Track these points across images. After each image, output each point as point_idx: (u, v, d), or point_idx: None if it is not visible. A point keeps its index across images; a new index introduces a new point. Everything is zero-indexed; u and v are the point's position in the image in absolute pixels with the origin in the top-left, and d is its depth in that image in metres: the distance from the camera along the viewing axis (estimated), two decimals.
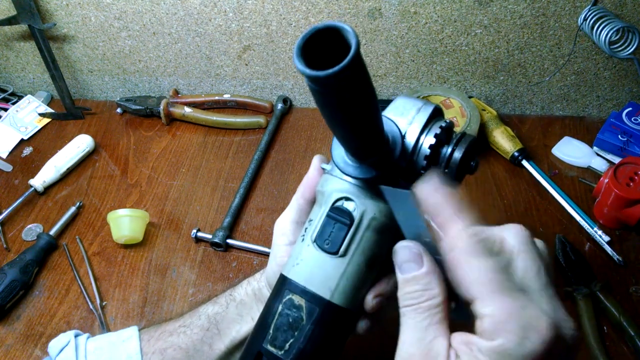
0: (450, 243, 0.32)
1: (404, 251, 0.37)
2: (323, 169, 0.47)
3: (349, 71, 0.30)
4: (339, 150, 0.44)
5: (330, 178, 0.45)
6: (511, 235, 0.34)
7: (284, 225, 0.51)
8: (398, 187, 0.40)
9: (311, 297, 0.42)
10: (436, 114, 0.44)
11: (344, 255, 0.42)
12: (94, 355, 0.56)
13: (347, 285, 0.42)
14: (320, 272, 0.42)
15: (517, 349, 0.28)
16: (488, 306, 0.29)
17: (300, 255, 0.43)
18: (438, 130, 0.43)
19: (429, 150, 0.42)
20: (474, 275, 0.30)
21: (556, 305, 0.31)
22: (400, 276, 0.36)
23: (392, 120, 0.43)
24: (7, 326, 0.77)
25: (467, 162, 0.44)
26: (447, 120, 0.44)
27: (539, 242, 0.36)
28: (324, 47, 0.32)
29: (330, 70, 0.29)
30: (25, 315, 0.78)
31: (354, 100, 0.34)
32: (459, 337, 0.31)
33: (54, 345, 0.58)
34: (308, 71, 0.30)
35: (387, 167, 0.42)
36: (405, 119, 0.43)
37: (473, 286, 0.30)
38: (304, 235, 0.45)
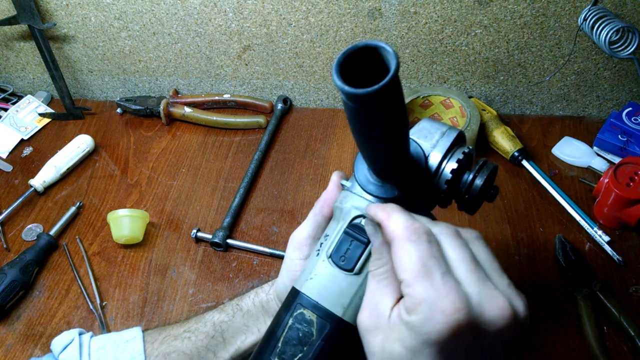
0: (390, 233, 0.37)
1: (369, 226, 0.41)
2: (343, 185, 0.47)
3: (387, 91, 0.30)
4: (362, 168, 0.44)
5: (350, 195, 0.45)
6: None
7: (300, 239, 0.51)
8: (418, 209, 0.41)
9: (323, 313, 0.41)
10: (459, 140, 0.45)
11: (358, 273, 0.42)
12: (97, 355, 0.56)
13: (360, 304, 0.41)
14: (333, 289, 0.42)
15: (422, 327, 0.32)
16: (408, 287, 0.34)
17: (314, 270, 0.43)
18: (461, 156, 0.43)
19: (450, 175, 0.43)
20: (404, 261, 0.35)
21: (500, 285, 0.35)
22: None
23: (416, 142, 0.44)
24: (7, 326, 0.77)
25: (487, 189, 0.44)
26: (470, 147, 0.45)
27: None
28: (361, 64, 0.32)
29: (369, 89, 0.30)
30: (25, 315, 0.78)
31: (387, 119, 0.34)
32: (402, 303, 0.35)
33: (57, 342, 0.58)
34: (347, 88, 0.30)
35: (408, 188, 0.43)
36: (429, 142, 0.44)
37: (402, 271, 0.35)
38: (319, 250, 0.44)
